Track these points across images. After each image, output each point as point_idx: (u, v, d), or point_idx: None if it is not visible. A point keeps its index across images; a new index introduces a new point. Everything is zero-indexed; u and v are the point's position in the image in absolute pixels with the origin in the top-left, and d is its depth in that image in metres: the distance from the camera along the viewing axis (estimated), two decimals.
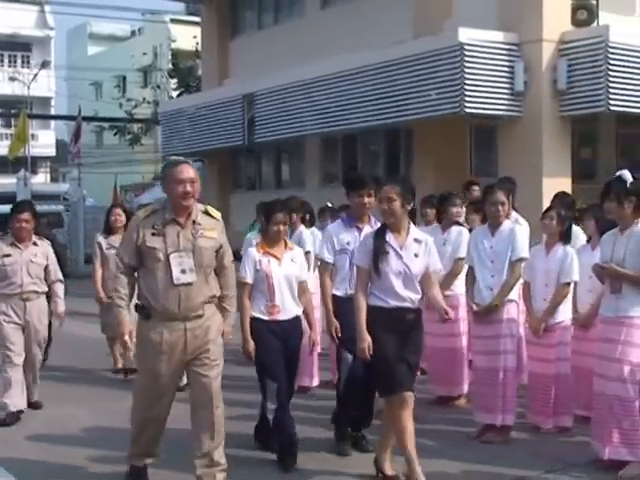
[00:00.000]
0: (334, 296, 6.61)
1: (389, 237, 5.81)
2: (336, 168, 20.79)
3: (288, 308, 6.56)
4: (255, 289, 6.52)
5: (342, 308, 6.46)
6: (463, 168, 17.03)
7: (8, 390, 7.71)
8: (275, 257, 6.57)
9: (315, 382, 8.88)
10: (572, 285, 7.29)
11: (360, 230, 6.59)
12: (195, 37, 29.83)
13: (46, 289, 8.03)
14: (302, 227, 8.96)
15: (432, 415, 7.67)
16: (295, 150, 22.01)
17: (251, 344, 6.41)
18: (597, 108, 14.81)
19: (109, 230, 9.89)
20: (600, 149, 17.27)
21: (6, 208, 8.69)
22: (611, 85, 14.51)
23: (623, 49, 14.63)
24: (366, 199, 6.50)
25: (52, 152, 52.87)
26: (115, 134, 38.94)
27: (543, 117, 15.07)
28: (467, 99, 14.89)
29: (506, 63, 15.17)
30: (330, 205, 10.19)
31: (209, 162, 24.78)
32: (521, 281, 7.36)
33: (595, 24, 15.36)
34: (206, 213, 5.68)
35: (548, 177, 14.66)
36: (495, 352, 6.98)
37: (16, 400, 7.73)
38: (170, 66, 37.19)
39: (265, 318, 6.48)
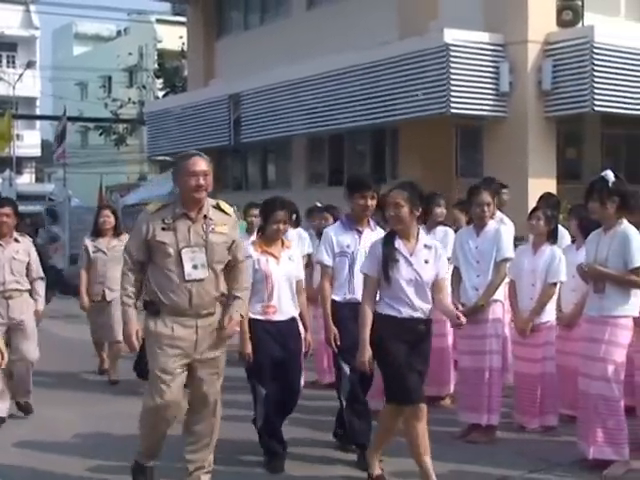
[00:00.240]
0: (333, 301, 6.45)
1: (398, 244, 5.67)
2: (322, 168, 20.79)
3: (285, 309, 6.42)
4: (252, 289, 6.25)
5: (341, 314, 6.36)
6: (449, 168, 17.07)
7: None
8: (273, 256, 6.43)
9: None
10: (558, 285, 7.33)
11: (360, 233, 6.48)
12: (181, 37, 29.79)
13: (29, 286, 7.91)
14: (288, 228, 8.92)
15: None
16: (281, 150, 21.99)
17: (249, 346, 6.28)
18: (582, 108, 14.86)
19: (97, 232, 9.79)
20: (585, 149, 17.32)
21: None
22: (596, 86, 14.55)
23: (608, 50, 14.68)
24: (369, 201, 6.39)
25: (37, 152, 52.65)
26: (100, 134, 38.84)
27: (528, 117, 15.11)
28: (453, 99, 14.91)
29: (491, 64, 15.19)
30: (319, 205, 10.10)
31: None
32: (507, 280, 7.39)
33: (580, 25, 15.40)
34: (218, 208, 5.54)
35: (533, 177, 14.70)
36: (481, 352, 7.01)
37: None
38: (156, 66, 37.13)
39: (261, 318, 6.33)
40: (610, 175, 6.28)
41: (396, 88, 15.84)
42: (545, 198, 9.06)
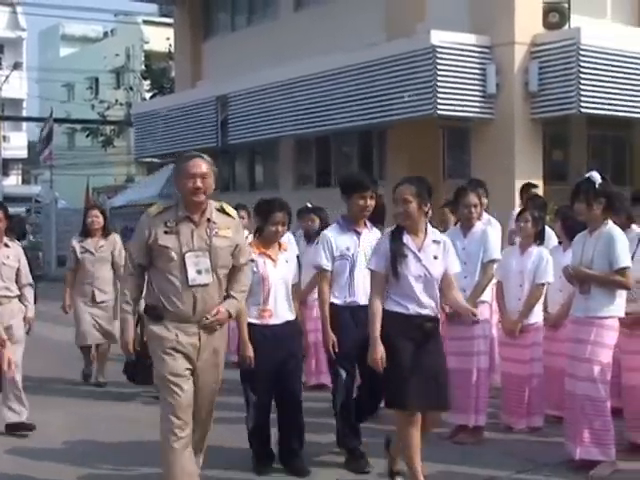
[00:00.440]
0: (332, 305, 6.33)
1: (406, 239, 5.54)
2: (310, 170, 20.80)
3: (280, 313, 6.27)
4: (249, 292, 5.97)
5: (341, 318, 6.26)
6: (436, 169, 17.09)
7: None
8: (271, 258, 6.29)
9: None
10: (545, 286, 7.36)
11: (359, 234, 6.37)
12: (168, 39, 29.75)
13: (18, 292, 7.69)
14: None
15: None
16: (269, 152, 21.98)
17: (250, 349, 6.10)
18: (568, 110, 14.90)
19: (86, 233, 9.70)
20: (571, 151, 17.37)
21: None
22: (582, 87, 14.59)
23: (594, 52, 14.72)
24: (368, 202, 6.29)
25: (24, 154, 52.47)
26: (87, 136, 38.76)
27: (515, 119, 15.14)
28: (440, 101, 14.93)
29: (478, 65, 15.21)
30: (310, 206, 9.85)
31: (176, 161, 24.62)
32: (494, 281, 7.42)
33: (567, 27, 15.43)
34: (221, 211, 5.38)
35: (520, 178, 14.68)
36: (468, 353, 7.02)
37: None
38: (143, 67, 37.06)
39: (256, 323, 6.17)
40: (596, 176, 6.31)
41: (383, 90, 15.85)
42: (532, 199, 9.10)
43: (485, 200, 8.47)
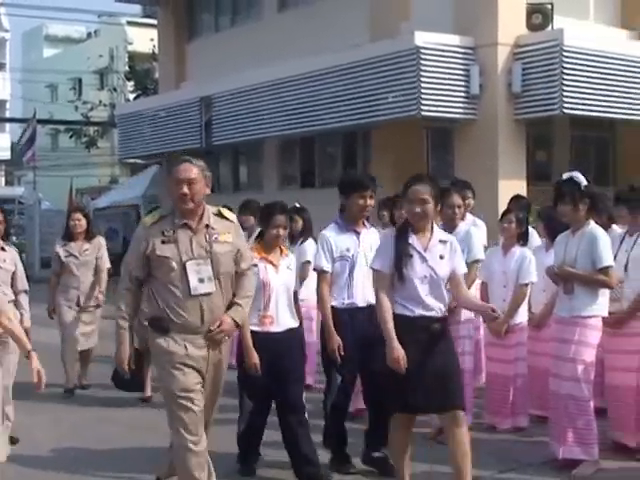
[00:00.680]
0: (330, 308, 6.20)
1: (412, 239, 5.38)
2: (294, 170, 20.79)
3: (282, 320, 6.10)
4: None
5: (339, 320, 6.13)
6: (420, 170, 16.94)
7: None
8: (272, 264, 6.13)
9: None
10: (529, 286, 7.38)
11: (359, 234, 6.26)
12: (152, 39, 29.68)
13: (13, 297, 7.36)
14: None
15: None
16: (253, 153, 21.97)
17: (255, 356, 5.94)
18: (551, 111, 14.95)
19: (69, 236, 9.50)
20: (554, 151, 17.43)
21: None
22: (565, 88, 14.65)
23: (577, 53, 14.78)
24: (368, 201, 6.19)
25: (7, 155, 52.19)
26: (71, 137, 38.58)
27: (498, 120, 15.18)
28: (423, 102, 14.95)
29: (462, 66, 15.24)
30: (298, 206, 9.71)
31: (167, 165, 24.63)
32: (478, 282, 7.43)
33: (550, 28, 15.49)
34: (219, 215, 5.20)
35: (504, 179, 14.77)
36: None
37: None
38: (127, 68, 36.95)
39: (257, 330, 6.00)
40: (581, 177, 6.35)
41: (367, 90, 15.87)
42: (516, 200, 9.13)
43: (472, 201, 8.49)
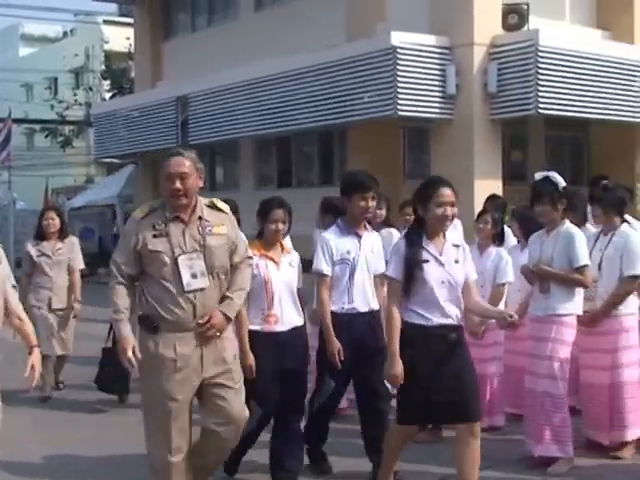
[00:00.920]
0: (330, 313, 5.98)
1: (426, 243, 5.16)
2: (270, 170, 20.80)
3: (287, 318, 5.86)
4: (250, 296, 5.60)
5: (339, 326, 5.94)
6: (397, 170, 17.16)
7: None
8: (273, 261, 5.88)
9: None
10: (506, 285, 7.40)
11: (360, 237, 6.06)
12: (128, 38, 29.59)
13: None
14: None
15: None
16: (229, 152, 21.95)
17: (251, 358, 5.67)
18: (527, 111, 15.04)
19: (41, 236, 9.20)
20: (530, 151, 17.55)
21: None
22: (540, 88, 14.74)
23: (552, 53, 14.88)
24: (370, 203, 5.98)
25: None
26: (46, 136, 38.37)
27: (474, 120, 15.25)
28: (400, 102, 15.00)
29: (438, 66, 15.31)
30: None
31: (143, 164, 24.58)
32: None
33: (525, 28, 15.58)
34: (212, 207, 4.97)
35: (479, 179, 14.85)
36: None
37: None
38: (103, 67, 36.81)
39: (260, 329, 5.76)
40: (559, 178, 6.39)
41: (344, 90, 15.90)
42: (492, 200, 9.15)
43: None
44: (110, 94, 34.37)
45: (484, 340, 7.28)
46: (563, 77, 14.98)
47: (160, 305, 4.77)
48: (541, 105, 14.77)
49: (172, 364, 4.75)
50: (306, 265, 6.16)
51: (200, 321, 4.77)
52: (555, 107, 15.00)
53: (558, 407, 6.21)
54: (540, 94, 14.72)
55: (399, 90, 14.97)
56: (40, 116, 38.51)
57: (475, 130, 15.24)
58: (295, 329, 5.90)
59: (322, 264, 6.01)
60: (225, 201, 5.91)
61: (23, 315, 4.98)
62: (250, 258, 5.30)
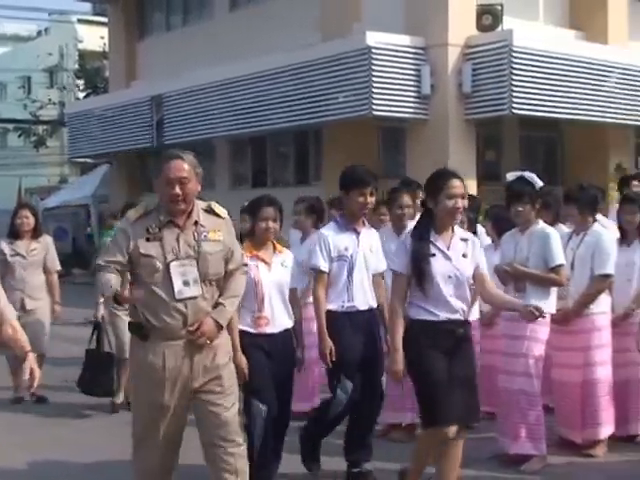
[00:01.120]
0: (328, 311, 5.87)
1: (434, 236, 5.08)
2: (245, 170, 20.77)
3: (278, 320, 5.73)
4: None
5: (340, 324, 5.85)
6: (372, 169, 17.15)
7: None
8: (264, 262, 5.73)
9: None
10: None
11: (358, 233, 5.97)
12: (102, 38, 29.45)
13: None
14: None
15: None
16: (205, 152, 21.82)
17: (243, 360, 5.53)
18: (501, 111, 15.10)
19: (15, 234, 8.92)
20: (504, 151, 17.61)
21: None
22: (514, 89, 14.80)
23: (526, 53, 14.94)
24: (368, 198, 5.91)
25: None
26: (20, 136, 38.08)
27: (449, 120, 15.30)
28: (375, 102, 15.03)
29: (413, 66, 15.34)
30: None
31: (117, 164, 24.48)
32: None
33: (499, 29, 15.65)
34: (209, 211, 4.78)
35: None
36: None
37: None
38: (77, 67, 36.61)
39: (251, 331, 5.61)
40: (535, 178, 6.44)
41: (319, 90, 15.91)
42: (468, 200, 9.17)
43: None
44: (84, 93, 34.18)
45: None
46: (537, 77, 15.04)
47: (149, 312, 4.58)
48: (515, 105, 14.84)
49: (161, 373, 4.58)
50: None
51: (190, 328, 4.58)
52: (529, 107, 15.07)
53: (533, 405, 6.27)
54: (514, 94, 14.79)
55: (374, 90, 15.00)
56: (13, 115, 38.27)
57: (450, 130, 15.28)
58: (286, 331, 5.80)
59: (319, 260, 5.90)
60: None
61: (15, 322, 4.78)
62: (245, 265, 5.13)
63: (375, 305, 6.07)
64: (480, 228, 7.95)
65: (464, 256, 5.09)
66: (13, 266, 8.87)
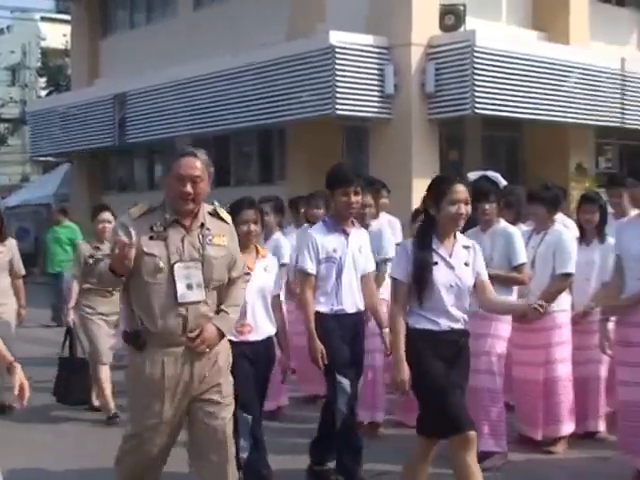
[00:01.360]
0: (317, 313, 5.75)
1: (436, 244, 4.92)
2: None
3: (261, 327, 5.59)
4: None
5: (329, 327, 5.75)
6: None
7: None
8: (247, 267, 5.39)
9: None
10: None
11: (347, 234, 5.84)
12: (65, 35, 29.28)
13: None
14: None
15: (302, 414, 7.81)
16: (168, 150, 21.78)
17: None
18: (463, 111, 15.20)
19: None
20: (467, 151, 17.71)
21: None
22: (476, 89, 14.90)
23: (489, 54, 15.05)
24: (352, 198, 5.73)
25: None
26: None
27: (412, 119, 15.36)
28: (338, 101, 15.06)
29: (376, 66, 15.40)
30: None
31: (79, 163, 24.31)
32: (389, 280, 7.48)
33: (462, 29, 15.74)
34: (215, 215, 4.58)
35: (417, 178, 14.93)
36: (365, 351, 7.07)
37: None
38: (39, 64, 36.36)
39: (234, 339, 5.22)
40: (500, 178, 6.50)
41: (283, 89, 15.91)
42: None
43: (386, 200, 8.54)
44: (46, 91, 33.96)
45: None
46: (499, 77, 15.16)
47: (147, 316, 4.36)
48: (477, 105, 14.94)
49: (160, 383, 4.38)
50: None
51: (191, 334, 4.38)
52: (491, 107, 15.17)
53: (495, 402, 6.32)
54: (476, 94, 14.89)
55: (337, 89, 15.03)
56: None
57: (413, 130, 15.35)
58: (269, 338, 5.69)
59: (307, 262, 5.77)
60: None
61: None
62: (247, 274, 5.00)
63: (363, 308, 6.00)
64: None
65: (466, 265, 4.97)
66: None
